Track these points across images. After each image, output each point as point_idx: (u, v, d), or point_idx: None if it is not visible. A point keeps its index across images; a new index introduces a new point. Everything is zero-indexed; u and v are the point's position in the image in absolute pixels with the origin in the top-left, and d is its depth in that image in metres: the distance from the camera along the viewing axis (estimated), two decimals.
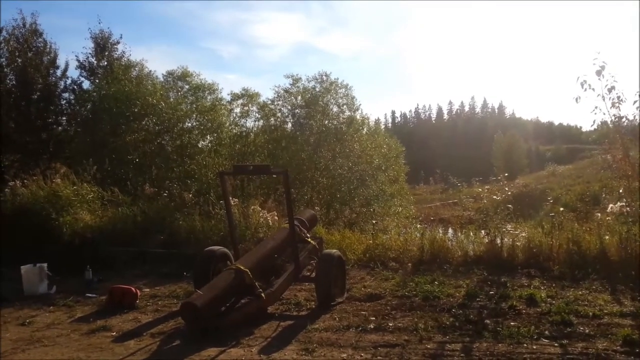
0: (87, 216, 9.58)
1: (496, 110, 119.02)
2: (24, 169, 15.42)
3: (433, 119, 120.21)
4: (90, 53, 21.03)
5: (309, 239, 6.95)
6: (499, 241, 7.64)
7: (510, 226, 8.19)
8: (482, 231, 8.09)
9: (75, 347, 4.92)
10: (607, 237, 7.17)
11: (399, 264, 7.77)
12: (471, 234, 8.33)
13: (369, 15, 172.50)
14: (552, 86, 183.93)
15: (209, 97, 19.28)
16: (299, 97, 20.75)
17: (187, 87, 19.34)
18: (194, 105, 18.55)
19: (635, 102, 7.18)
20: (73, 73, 21.30)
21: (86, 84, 20.98)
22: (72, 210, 9.57)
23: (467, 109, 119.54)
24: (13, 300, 6.70)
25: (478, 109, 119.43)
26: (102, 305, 6.39)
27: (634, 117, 7.49)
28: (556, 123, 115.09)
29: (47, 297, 6.89)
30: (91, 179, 10.56)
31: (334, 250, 6.58)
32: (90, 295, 6.90)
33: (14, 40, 19.62)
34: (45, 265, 7.22)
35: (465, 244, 8.06)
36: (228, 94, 20.61)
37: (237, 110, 20.50)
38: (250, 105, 20.55)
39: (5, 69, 19.45)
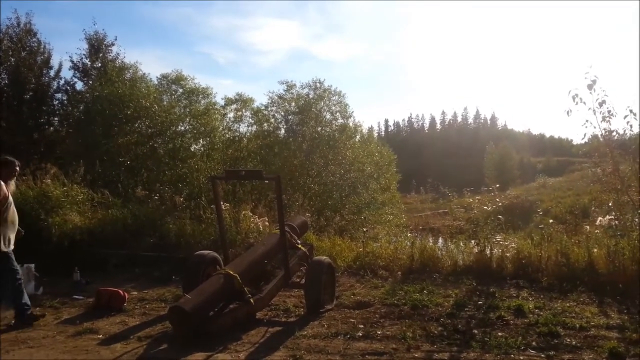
0: (76, 218, 9.48)
1: (488, 121, 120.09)
2: None
3: (426, 128, 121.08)
4: (84, 54, 21.07)
5: (300, 245, 6.95)
6: (488, 252, 7.68)
7: (500, 237, 8.23)
8: (472, 241, 8.12)
9: (61, 349, 4.88)
10: (595, 250, 7.21)
11: (388, 272, 7.78)
12: (461, 243, 8.33)
13: (365, 21, 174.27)
14: (544, 99, 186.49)
15: (202, 101, 19.34)
16: (293, 104, 20.87)
17: (180, 90, 19.38)
18: (188, 109, 18.57)
19: (625, 116, 7.26)
20: (66, 74, 21.28)
21: (79, 85, 21.04)
22: (61, 212, 9.47)
23: (459, 119, 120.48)
24: None
25: (471, 120, 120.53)
26: (89, 307, 6.34)
27: (624, 131, 7.57)
28: (547, 135, 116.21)
29: (33, 298, 6.78)
30: (81, 181, 10.48)
31: (324, 257, 6.58)
32: (77, 297, 6.85)
33: (7, 40, 19.56)
34: (32, 265, 7.14)
35: (455, 253, 8.08)
36: (222, 99, 20.72)
37: (231, 115, 20.62)
38: (243, 110, 20.67)
39: None
